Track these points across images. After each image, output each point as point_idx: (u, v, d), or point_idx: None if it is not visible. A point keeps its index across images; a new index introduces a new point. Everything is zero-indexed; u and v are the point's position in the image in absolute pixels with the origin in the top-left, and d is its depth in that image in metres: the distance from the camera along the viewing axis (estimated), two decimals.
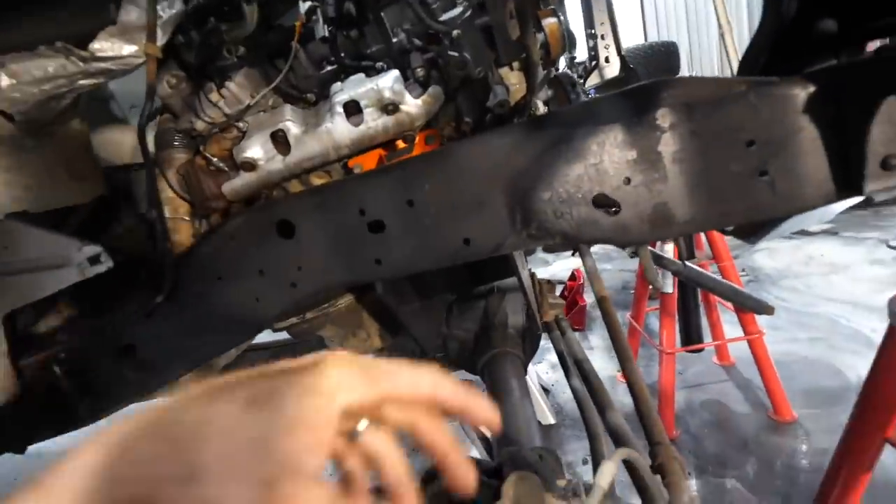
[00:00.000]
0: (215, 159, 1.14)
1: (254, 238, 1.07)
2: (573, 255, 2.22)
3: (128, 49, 0.84)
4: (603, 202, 0.92)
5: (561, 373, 3.34)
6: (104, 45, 0.82)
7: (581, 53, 2.25)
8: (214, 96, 1.11)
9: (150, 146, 1.40)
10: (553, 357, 3.43)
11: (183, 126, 1.18)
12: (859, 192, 0.87)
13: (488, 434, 2.58)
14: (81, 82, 0.89)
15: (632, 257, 1.78)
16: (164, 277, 1.06)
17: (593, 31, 2.18)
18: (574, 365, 1.84)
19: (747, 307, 2.29)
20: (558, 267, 5.04)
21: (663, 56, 4.15)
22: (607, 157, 0.90)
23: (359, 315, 1.55)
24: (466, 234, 0.99)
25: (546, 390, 3.09)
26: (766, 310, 2.28)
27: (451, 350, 2.21)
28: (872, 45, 0.86)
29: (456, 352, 2.20)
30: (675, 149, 0.89)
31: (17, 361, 1.14)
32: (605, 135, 0.90)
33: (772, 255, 4.56)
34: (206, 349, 1.21)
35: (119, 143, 1.43)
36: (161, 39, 0.86)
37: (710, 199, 0.90)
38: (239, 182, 1.13)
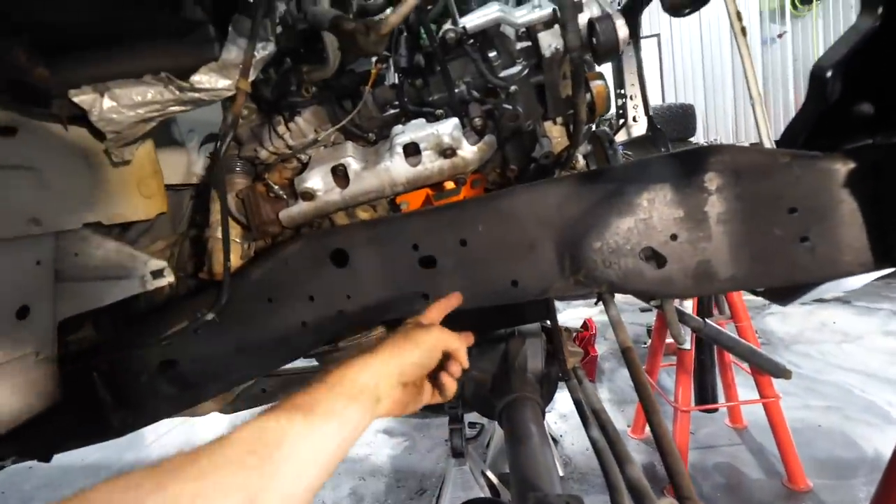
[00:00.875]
0: (276, 187, 1.20)
1: (308, 264, 1.12)
2: (596, 304, 2.25)
3: (222, 83, 0.91)
4: (650, 256, 0.97)
5: (570, 424, 3.29)
6: (203, 78, 0.90)
7: (609, 111, 2.36)
8: (282, 129, 1.19)
9: (201, 169, 1.48)
10: (562, 407, 3.39)
11: (246, 154, 1.25)
12: (895, 264, 0.92)
13: (494, 480, 2.53)
14: (172, 108, 0.96)
15: (655, 307, 1.81)
16: (218, 295, 1.10)
17: (622, 92, 2.29)
18: (592, 415, 1.83)
19: (765, 369, 2.29)
20: (568, 316, 5.05)
21: (681, 117, 4.32)
22: (656, 214, 0.96)
23: None
24: (515, 276, 1.03)
25: (555, 441, 3.03)
26: (784, 373, 2.27)
27: (466, 390, 2.21)
28: None
29: (472, 392, 2.19)
30: (720, 210, 0.94)
31: (61, 368, 1.16)
32: (656, 192, 0.95)
33: (784, 319, 4.56)
34: (244, 370, 1.23)
35: (174, 165, 1.50)
36: (252, 76, 0.93)
37: (753, 259, 0.95)
38: (296, 210, 1.19)
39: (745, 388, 2.94)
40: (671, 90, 7.16)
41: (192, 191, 1.48)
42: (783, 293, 1.20)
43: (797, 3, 6.71)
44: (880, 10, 0.80)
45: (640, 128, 2.32)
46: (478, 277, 1.05)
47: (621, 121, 2.34)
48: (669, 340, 3.02)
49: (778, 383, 2.63)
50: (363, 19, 0.73)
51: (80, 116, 0.93)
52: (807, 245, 0.92)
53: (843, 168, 0.88)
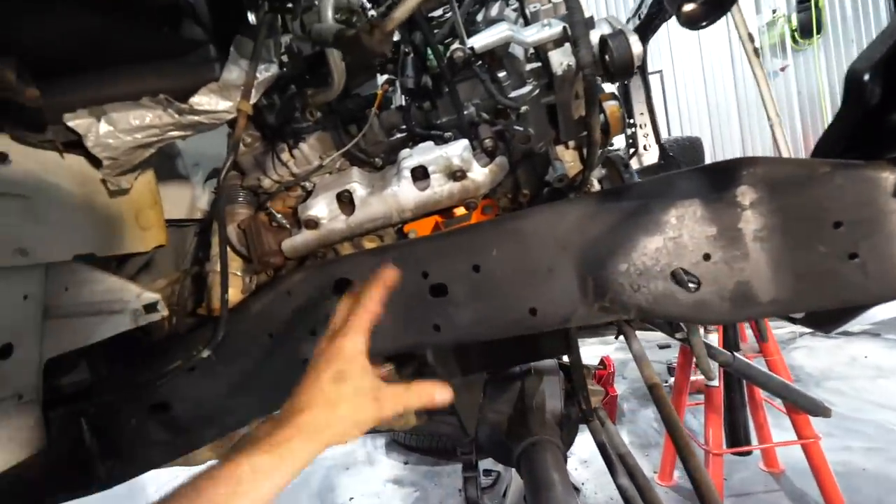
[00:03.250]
0: (279, 215, 1.15)
1: (311, 296, 1.05)
2: (616, 338, 2.14)
3: (223, 105, 0.88)
4: (682, 277, 0.88)
5: (593, 472, 3.09)
6: (203, 100, 0.86)
7: (619, 141, 2.34)
8: (286, 156, 1.15)
9: (205, 204, 1.44)
10: (582, 452, 3.20)
11: (249, 183, 1.21)
12: None
13: None
14: (171, 133, 0.92)
15: (681, 341, 1.70)
16: (215, 330, 1.03)
17: (632, 121, 2.27)
18: (618, 460, 1.69)
19: (801, 407, 2.14)
20: (582, 355, 4.86)
21: (689, 150, 4.32)
22: (686, 232, 0.88)
23: None
24: (533, 303, 0.95)
25: (577, 490, 2.84)
26: (823, 411, 2.12)
27: (481, 435, 2.07)
28: None
29: (487, 437, 2.05)
30: (756, 227, 0.87)
31: (47, 413, 1.08)
32: (684, 209, 0.88)
33: (811, 353, 4.35)
34: (241, 412, 1.14)
35: (178, 199, 1.46)
36: (254, 98, 0.90)
37: (797, 279, 0.86)
38: (299, 239, 1.13)
39: (777, 428, 2.75)
40: (677, 125, 7.21)
41: (196, 227, 1.44)
42: (827, 319, 1.10)
43: (797, 38, 6.81)
44: None
45: (651, 156, 2.28)
46: (493, 306, 0.97)
47: (632, 150, 2.31)
48: (693, 378, 2.87)
49: (815, 424, 2.46)
50: (367, 19, 0.70)
51: (75, 143, 0.89)
52: (857, 262, 0.83)
53: (891, 176, 0.81)
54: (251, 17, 0.95)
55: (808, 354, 4.37)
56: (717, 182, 0.88)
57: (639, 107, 2.28)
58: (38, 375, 0.94)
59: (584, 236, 0.92)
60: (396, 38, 1.19)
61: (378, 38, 0.66)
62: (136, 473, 1.12)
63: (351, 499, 3.28)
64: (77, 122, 0.84)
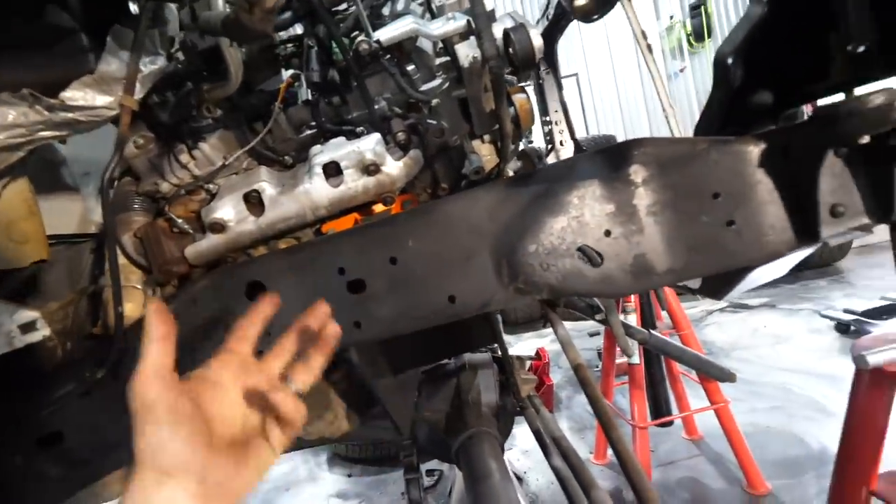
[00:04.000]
0: (180, 220, 1.07)
1: (219, 303, 0.99)
2: (543, 326, 2.21)
3: (101, 100, 0.81)
4: (586, 254, 0.93)
5: (534, 460, 3.17)
6: (76, 95, 0.78)
7: (537, 138, 2.44)
8: (185, 157, 1.08)
9: (99, 216, 1.33)
10: (524, 443, 3.27)
11: (145, 188, 1.13)
12: (816, 239, 0.93)
13: None
14: (42, 134, 0.83)
15: (600, 322, 1.79)
16: (110, 348, 0.94)
17: (548, 119, 2.37)
18: (552, 444, 1.75)
19: (712, 375, 2.32)
20: (520, 348, 5.00)
21: (604, 146, 4.63)
22: (588, 211, 0.93)
23: (326, 395, 1.43)
24: (452, 291, 0.96)
25: (519, 479, 2.89)
26: (729, 377, 2.31)
27: (420, 435, 2.05)
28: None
29: (426, 436, 2.04)
30: (648, 202, 0.93)
31: None
32: (585, 189, 0.93)
33: (721, 328, 4.75)
34: None
35: (66, 212, 1.33)
36: (139, 93, 0.84)
37: (686, 248, 0.93)
38: (205, 244, 1.06)
39: (695, 398, 2.97)
40: (593, 124, 7.72)
41: (92, 242, 1.32)
42: (716, 286, 1.20)
43: (692, 42, 7.54)
44: None
45: (567, 151, 2.40)
46: (412, 297, 0.97)
47: (549, 146, 2.41)
48: (619, 360, 3.03)
49: (725, 389, 2.68)
50: None
51: None
52: (734, 229, 0.92)
53: (755, 149, 0.90)
54: (133, 8, 0.89)
55: (717, 329, 4.77)
56: (613, 163, 0.93)
57: (553, 104, 2.38)
58: None
59: (496, 221, 0.94)
60: (300, 31, 1.16)
61: (258, 15, 0.64)
62: None
63: None
64: None
